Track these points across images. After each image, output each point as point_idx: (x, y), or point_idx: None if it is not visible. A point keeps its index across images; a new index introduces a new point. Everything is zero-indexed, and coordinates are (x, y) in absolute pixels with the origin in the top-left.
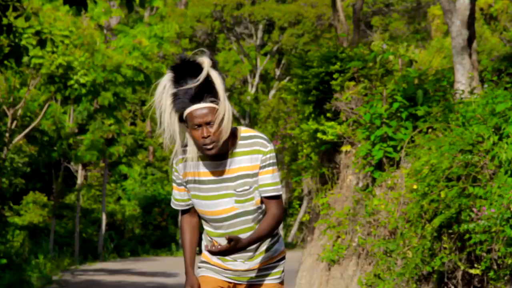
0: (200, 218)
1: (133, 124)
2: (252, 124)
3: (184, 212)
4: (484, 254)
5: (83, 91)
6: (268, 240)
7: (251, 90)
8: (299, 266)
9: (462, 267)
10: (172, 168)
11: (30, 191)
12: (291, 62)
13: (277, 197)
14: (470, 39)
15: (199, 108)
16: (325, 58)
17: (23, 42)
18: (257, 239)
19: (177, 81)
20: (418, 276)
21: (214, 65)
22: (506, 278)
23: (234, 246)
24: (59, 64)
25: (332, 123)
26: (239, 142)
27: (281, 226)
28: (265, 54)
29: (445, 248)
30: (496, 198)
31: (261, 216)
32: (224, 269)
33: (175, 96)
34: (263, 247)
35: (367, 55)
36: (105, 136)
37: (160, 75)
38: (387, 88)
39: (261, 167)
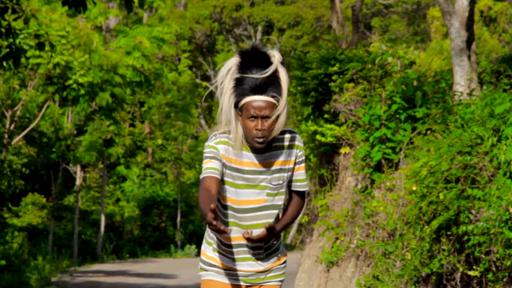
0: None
1: (132, 125)
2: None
3: (210, 179)
4: (483, 256)
5: (82, 91)
6: (274, 245)
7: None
8: (298, 268)
9: (460, 269)
10: (209, 147)
11: (29, 192)
12: (290, 63)
13: (305, 192)
14: (469, 41)
15: (260, 100)
16: (324, 60)
17: (19, 42)
18: (286, 226)
19: (243, 67)
20: (417, 278)
21: (283, 62)
22: (504, 280)
23: (271, 234)
24: (57, 63)
25: (331, 125)
26: (279, 136)
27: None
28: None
29: (443, 249)
30: (495, 200)
31: (280, 211)
32: (235, 271)
33: (238, 81)
34: (273, 248)
35: (366, 56)
36: (103, 137)
37: (160, 76)
38: (386, 89)
39: (296, 162)
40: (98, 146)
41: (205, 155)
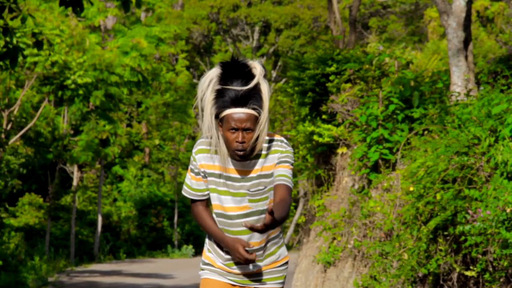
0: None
1: (129, 125)
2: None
3: (196, 201)
4: (480, 256)
5: (80, 91)
6: (273, 243)
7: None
8: (295, 268)
9: (457, 269)
10: (192, 157)
11: (26, 192)
12: (287, 64)
13: (289, 188)
14: (466, 41)
15: (240, 112)
16: (321, 60)
17: (16, 41)
18: (283, 213)
19: (224, 78)
20: (414, 278)
21: (265, 75)
22: (501, 280)
23: (272, 224)
24: (54, 62)
25: (328, 125)
26: (257, 145)
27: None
28: (262, 56)
29: (440, 250)
30: (491, 200)
31: None
32: (229, 272)
33: (218, 93)
34: (269, 250)
35: (363, 57)
36: (99, 137)
37: (157, 77)
38: (383, 90)
39: (278, 163)
40: (94, 146)
41: (190, 166)
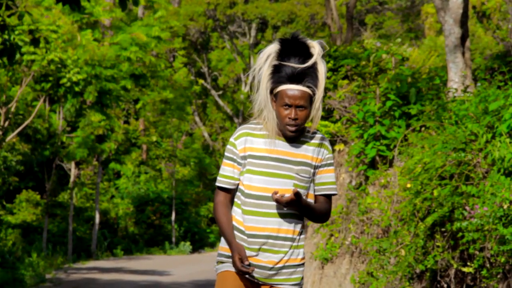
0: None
1: (126, 122)
2: (245, 123)
3: (223, 190)
4: (477, 253)
5: (77, 89)
6: (299, 239)
7: (245, 89)
8: None
9: (455, 265)
10: (229, 144)
11: (23, 189)
12: None
13: (332, 197)
14: (463, 38)
15: (295, 89)
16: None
17: (16, 39)
18: (310, 210)
19: (282, 54)
20: (411, 274)
21: (323, 55)
22: (498, 276)
23: (298, 200)
24: (51, 60)
25: (325, 121)
26: (310, 134)
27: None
28: (259, 53)
29: (438, 246)
30: (489, 196)
31: None
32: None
33: (275, 68)
34: (296, 243)
35: (360, 53)
36: (95, 133)
37: (156, 73)
38: (380, 86)
39: (325, 164)
40: (90, 142)
41: (225, 153)
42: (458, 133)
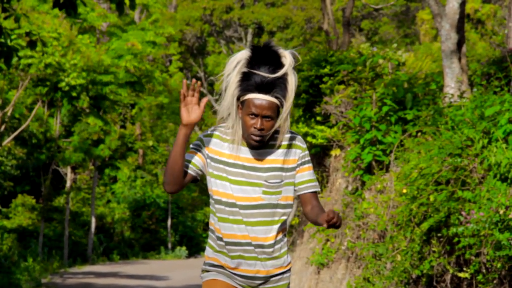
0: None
1: (123, 127)
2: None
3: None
4: (473, 258)
5: (74, 93)
6: (281, 245)
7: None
8: None
9: (451, 271)
10: (197, 139)
11: (19, 194)
12: None
13: (317, 193)
14: (460, 43)
15: (263, 98)
16: (315, 62)
17: (11, 43)
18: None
19: (252, 62)
20: (407, 280)
21: (294, 65)
22: (494, 281)
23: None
24: (48, 64)
25: (322, 126)
26: (278, 136)
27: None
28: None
29: (434, 251)
30: (485, 201)
31: (282, 214)
32: (234, 274)
33: (244, 75)
34: (278, 252)
35: (356, 58)
36: (91, 138)
37: (152, 78)
38: (376, 91)
39: (300, 164)
40: (85, 147)
41: (191, 145)
42: (454, 138)
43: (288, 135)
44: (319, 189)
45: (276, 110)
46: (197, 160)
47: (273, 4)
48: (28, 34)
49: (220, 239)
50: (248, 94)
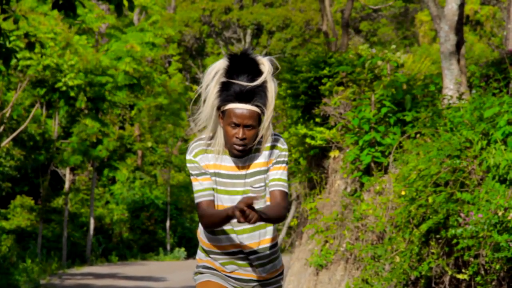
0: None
1: (121, 128)
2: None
3: (201, 202)
4: (472, 259)
5: (72, 93)
6: (275, 250)
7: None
8: (287, 271)
9: (449, 272)
10: (190, 162)
11: (17, 195)
12: (280, 66)
13: (285, 193)
14: (459, 45)
15: (243, 108)
16: (313, 63)
17: (10, 45)
18: (264, 215)
19: (230, 71)
20: (406, 281)
21: (273, 72)
22: (493, 283)
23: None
24: (46, 65)
25: (320, 128)
26: (261, 140)
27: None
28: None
29: (432, 253)
30: (483, 203)
31: None
32: (229, 277)
33: (223, 85)
34: (273, 256)
35: (355, 60)
36: (90, 139)
37: (150, 80)
38: (375, 93)
39: (275, 162)
40: (84, 148)
41: (191, 172)
42: (453, 140)
43: (271, 138)
44: (287, 190)
45: (257, 119)
46: (207, 183)
47: (272, 5)
48: (26, 35)
49: (210, 252)
50: (228, 104)
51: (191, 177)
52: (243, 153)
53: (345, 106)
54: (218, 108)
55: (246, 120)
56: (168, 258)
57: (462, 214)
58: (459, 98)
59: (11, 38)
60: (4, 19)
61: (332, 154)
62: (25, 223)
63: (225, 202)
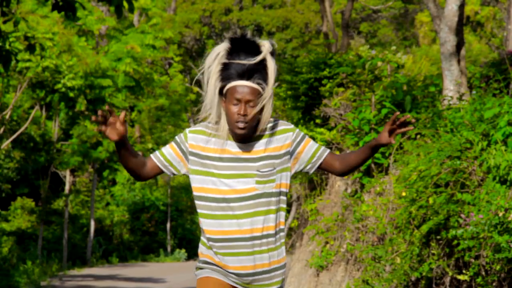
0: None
1: None
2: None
3: (150, 161)
4: (472, 260)
5: (71, 94)
6: (279, 237)
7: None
8: (288, 272)
9: (450, 273)
10: (182, 133)
11: (18, 196)
12: (280, 67)
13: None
14: (459, 45)
15: (244, 85)
16: (314, 64)
17: (9, 47)
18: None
19: (232, 53)
20: (407, 282)
21: (273, 53)
22: (494, 284)
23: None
24: (45, 67)
25: (321, 129)
26: (260, 124)
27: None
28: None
29: (433, 254)
30: (484, 204)
31: (278, 202)
32: (228, 271)
33: (225, 66)
34: (277, 242)
35: (356, 61)
36: (90, 141)
37: (151, 81)
38: (375, 94)
39: (297, 144)
40: (84, 150)
41: (175, 137)
42: (453, 140)
43: (271, 124)
44: (329, 150)
45: (258, 96)
46: (172, 155)
47: (271, 7)
48: (27, 38)
49: (210, 239)
50: (229, 83)
51: (172, 143)
52: (245, 132)
53: (345, 107)
54: (221, 92)
55: (247, 96)
56: (169, 260)
57: (462, 215)
58: (460, 99)
59: (10, 40)
60: (4, 22)
61: None
62: (26, 224)
63: (227, 186)
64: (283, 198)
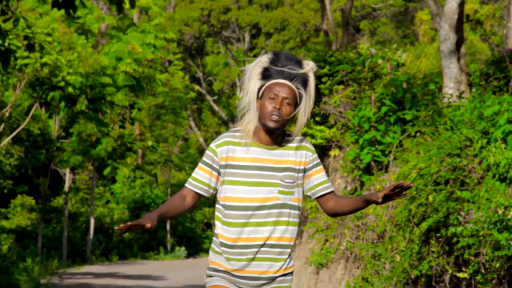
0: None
1: (122, 127)
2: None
3: (191, 192)
4: (472, 258)
5: (70, 89)
6: (285, 249)
7: (240, 94)
8: None
9: (450, 271)
10: (209, 150)
11: (18, 194)
12: None
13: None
14: (459, 43)
15: (284, 83)
16: (314, 62)
17: (8, 43)
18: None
19: (274, 61)
20: (406, 280)
21: (315, 73)
22: (493, 281)
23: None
24: (44, 63)
25: (321, 126)
26: (291, 138)
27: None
28: (255, 56)
29: (433, 251)
30: (484, 201)
31: (296, 216)
32: (237, 276)
33: (266, 69)
34: (283, 252)
35: (355, 59)
36: (90, 140)
37: (151, 81)
38: (375, 92)
39: (312, 166)
40: (83, 148)
41: (203, 158)
42: (453, 138)
43: (298, 138)
44: (334, 189)
45: (294, 100)
46: (205, 176)
47: (268, 6)
48: (26, 37)
49: (226, 245)
50: (269, 81)
51: (201, 164)
52: (277, 126)
53: (345, 105)
54: (259, 91)
55: (285, 93)
56: (169, 257)
57: (462, 213)
58: (459, 96)
59: (10, 37)
60: (4, 21)
61: (332, 153)
62: (26, 222)
63: (251, 194)
64: (298, 212)
